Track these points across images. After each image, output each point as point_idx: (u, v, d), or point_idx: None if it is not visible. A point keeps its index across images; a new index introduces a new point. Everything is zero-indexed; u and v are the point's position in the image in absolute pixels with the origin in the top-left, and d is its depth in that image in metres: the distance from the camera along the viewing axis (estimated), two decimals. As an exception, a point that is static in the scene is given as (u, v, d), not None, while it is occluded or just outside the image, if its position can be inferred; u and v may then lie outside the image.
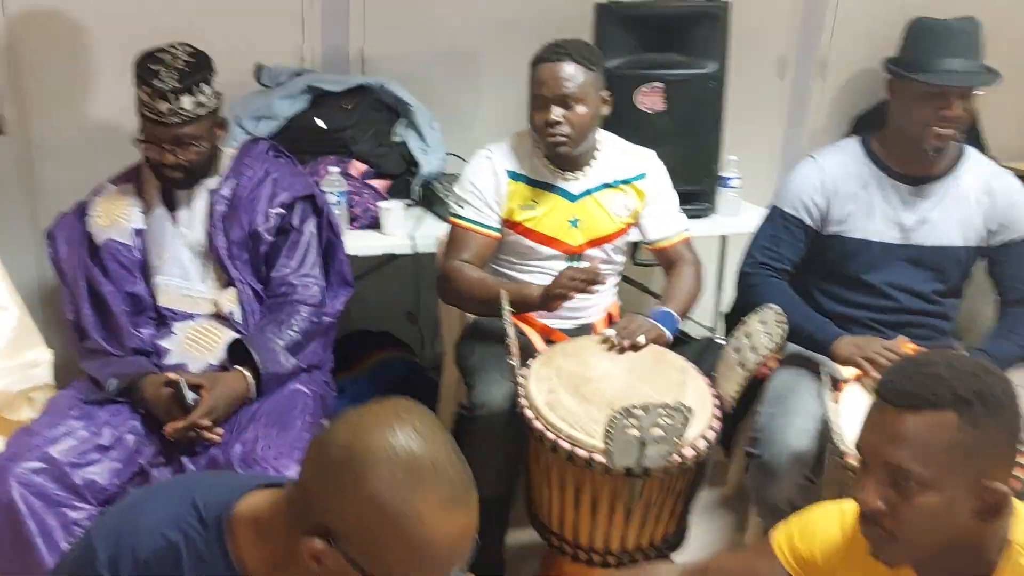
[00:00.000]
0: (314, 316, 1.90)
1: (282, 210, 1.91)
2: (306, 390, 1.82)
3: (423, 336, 2.66)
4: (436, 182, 2.66)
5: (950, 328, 1.98)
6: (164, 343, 1.84)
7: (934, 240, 1.88)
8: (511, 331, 1.69)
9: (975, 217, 1.87)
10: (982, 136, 3.38)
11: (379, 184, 2.53)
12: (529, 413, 1.58)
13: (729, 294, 2.99)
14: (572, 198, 1.97)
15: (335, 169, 2.29)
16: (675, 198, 2.09)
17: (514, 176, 1.96)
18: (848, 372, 1.83)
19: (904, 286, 1.90)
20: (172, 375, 1.68)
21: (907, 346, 1.84)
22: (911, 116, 1.82)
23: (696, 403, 1.61)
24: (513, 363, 1.65)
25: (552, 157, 1.94)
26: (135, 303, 1.86)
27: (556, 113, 1.84)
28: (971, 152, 1.92)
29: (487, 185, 1.95)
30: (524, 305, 1.87)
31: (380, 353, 2.74)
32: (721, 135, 2.66)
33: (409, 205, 2.60)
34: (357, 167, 2.50)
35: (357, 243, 2.31)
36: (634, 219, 2.03)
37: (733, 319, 2.35)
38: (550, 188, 1.97)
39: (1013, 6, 3.58)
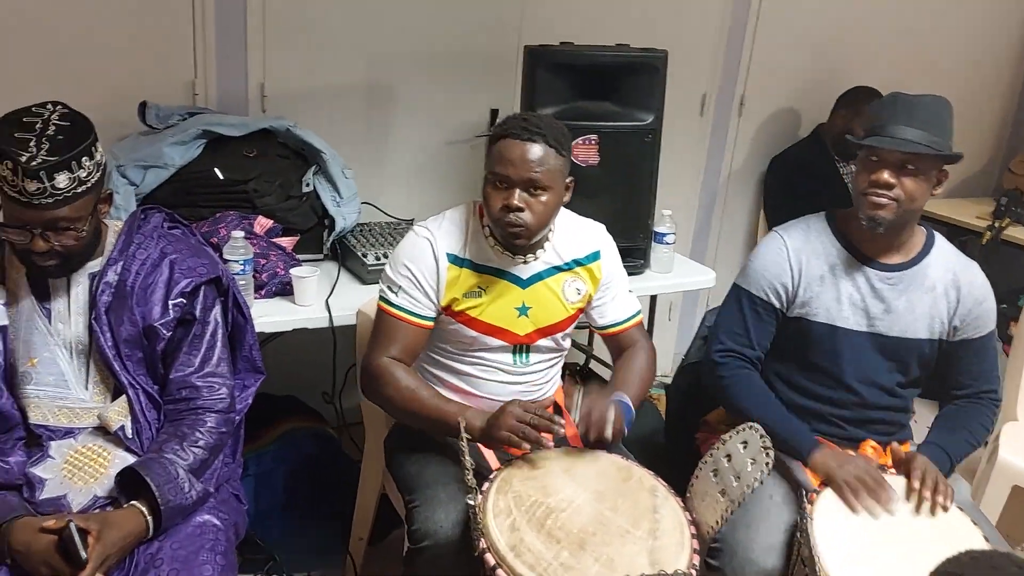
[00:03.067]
0: (223, 425, 1.62)
1: (183, 300, 1.62)
2: (216, 521, 1.53)
3: (339, 411, 2.39)
4: (349, 234, 2.41)
5: (907, 420, 1.92)
6: (38, 471, 1.51)
7: (899, 331, 1.80)
8: (468, 462, 1.47)
9: (941, 310, 1.80)
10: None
11: (286, 242, 2.25)
12: (491, 559, 1.38)
13: (659, 356, 2.90)
14: (522, 284, 1.77)
15: (239, 234, 2.00)
16: (626, 278, 1.93)
17: (456, 260, 1.73)
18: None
19: (868, 378, 1.81)
20: (55, 521, 1.36)
21: (880, 457, 1.76)
22: (856, 185, 1.75)
23: (672, 535, 1.45)
24: (473, 502, 1.44)
25: (503, 240, 1.73)
26: (-1, 421, 1.53)
27: (519, 198, 1.63)
28: (939, 241, 1.85)
29: (425, 271, 1.72)
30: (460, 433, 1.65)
31: (286, 423, 2.46)
32: (656, 189, 2.53)
33: (319, 261, 2.35)
34: (262, 224, 2.21)
35: (266, 317, 2.03)
36: (586, 303, 1.85)
37: (684, 400, 2.24)
38: (497, 273, 1.75)
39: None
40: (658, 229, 2.58)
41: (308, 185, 2.32)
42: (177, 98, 2.37)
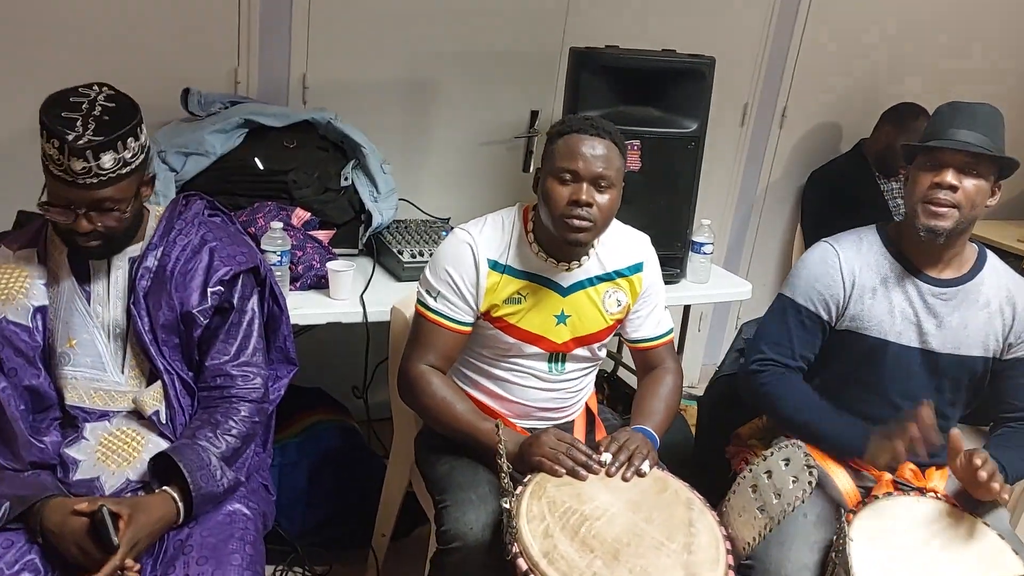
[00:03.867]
0: (256, 415, 1.61)
1: (221, 287, 1.61)
2: (246, 510, 1.53)
3: (368, 407, 2.38)
4: (385, 230, 2.40)
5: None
6: (72, 452, 1.51)
7: (952, 348, 1.76)
8: (505, 464, 1.46)
9: (996, 328, 1.76)
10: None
11: (323, 235, 2.25)
12: (523, 564, 1.36)
13: (685, 363, 2.86)
14: (563, 292, 1.74)
15: (278, 225, 1.99)
16: (664, 294, 1.90)
17: (496, 267, 1.70)
18: (849, 488, 1.71)
19: (914, 396, 1.76)
20: (88, 504, 1.36)
21: (917, 480, 1.72)
22: (912, 193, 1.72)
23: (708, 550, 1.42)
24: (507, 505, 1.42)
25: (547, 245, 1.70)
26: (35, 401, 1.52)
27: (587, 193, 1.60)
28: (991, 257, 1.82)
29: (465, 276, 1.69)
30: (489, 451, 1.62)
31: (312, 415, 2.46)
32: (696, 198, 2.50)
33: (354, 256, 2.34)
34: (300, 216, 2.21)
35: (300, 309, 2.02)
36: (625, 314, 1.82)
37: (716, 412, 2.22)
38: (539, 280, 1.73)
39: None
40: (696, 239, 2.54)
41: (346, 179, 2.31)
42: (219, 86, 2.37)
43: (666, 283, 2.49)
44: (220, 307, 1.62)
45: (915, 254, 1.78)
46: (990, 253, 1.82)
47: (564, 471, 1.53)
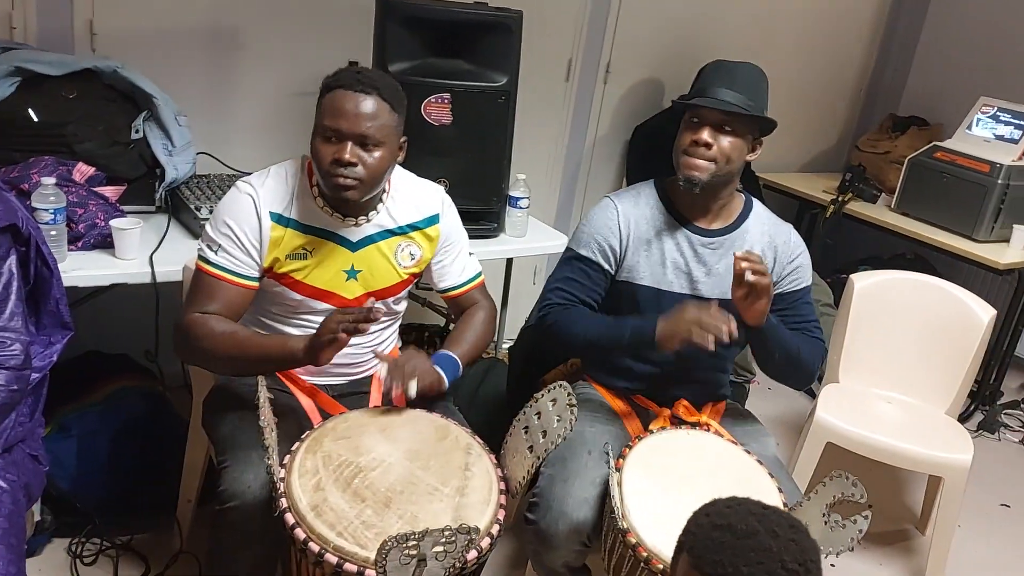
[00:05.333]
0: (15, 383, 1.51)
1: (-30, 247, 1.49)
2: (2, 483, 1.44)
3: (160, 371, 2.29)
4: (184, 186, 2.29)
5: (725, 380, 2.00)
6: None
7: (720, 292, 1.86)
8: (267, 415, 1.43)
9: None
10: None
11: (110, 192, 2.12)
12: (290, 518, 1.35)
13: (512, 315, 2.91)
14: (352, 247, 1.72)
15: (50, 180, 1.86)
16: (466, 240, 1.91)
17: (280, 220, 1.66)
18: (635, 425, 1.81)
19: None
20: None
21: (691, 415, 1.82)
22: (676, 148, 1.80)
23: (480, 492, 1.46)
24: (269, 461, 1.40)
25: (332, 200, 1.67)
26: None
27: (351, 152, 1.57)
28: (757, 207, 1.93)
29: (246, 229, 1.64)
30: (289, 362, 1.62)
31: (115, 381, 2.35)
32: (510, 152, 2.52)
33: (150, 213, 2.22)
34: (82, 171, 2.07)
35: (80, 271, 1.91)
36: (421, 268, 1.82)
37: (525, 361, 2.27)
38: (325, 235, 1.69)
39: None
40: (513, 193, 2.57)
41: (137, 131, 2.18)
42: (-11, 31, 2.18)
43: (484, 237, 2.54)
44: (-30, 269, 1.50)
45: (685, 207, 1.87)
46: (756, 202, 1.93)
47: (345, 335, 1.50)
